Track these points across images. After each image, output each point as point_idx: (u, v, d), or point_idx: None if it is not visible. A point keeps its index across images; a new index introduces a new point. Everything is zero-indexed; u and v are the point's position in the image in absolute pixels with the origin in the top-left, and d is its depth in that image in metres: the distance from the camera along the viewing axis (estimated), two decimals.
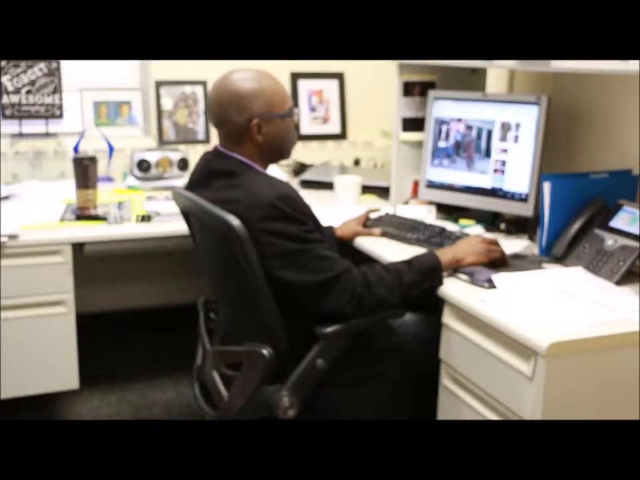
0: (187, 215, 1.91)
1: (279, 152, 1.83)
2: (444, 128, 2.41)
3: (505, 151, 2.27)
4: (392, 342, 1.92)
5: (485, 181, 2.32)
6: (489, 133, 2.28)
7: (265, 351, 1.67)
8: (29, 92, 2.87)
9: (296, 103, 3.25)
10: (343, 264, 1.70)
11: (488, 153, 2.30)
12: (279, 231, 1.64)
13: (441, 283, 1.74)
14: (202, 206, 1.71)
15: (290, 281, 1.66)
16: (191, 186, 1.83)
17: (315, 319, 1.70)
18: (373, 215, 2.30)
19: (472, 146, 2.33)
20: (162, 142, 3.08)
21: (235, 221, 1.60)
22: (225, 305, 1.89)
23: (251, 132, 1.74)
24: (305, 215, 1.69)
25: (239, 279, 1.67)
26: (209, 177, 1.78)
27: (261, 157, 1.79)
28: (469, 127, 2.33)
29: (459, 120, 2.36)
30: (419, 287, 1.72)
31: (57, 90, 2.90)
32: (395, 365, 1.86)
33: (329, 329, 1.69)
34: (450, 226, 2.24)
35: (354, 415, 1.79)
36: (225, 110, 1.74)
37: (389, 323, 1.93)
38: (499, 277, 1.72)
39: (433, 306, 1.81)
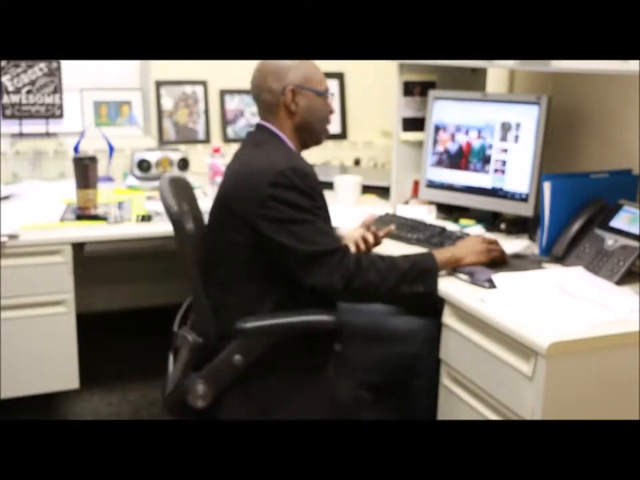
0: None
1: (310, 129, 1.84)
2: (440, 137, 2.42)
3: (505, 150, 2.27)
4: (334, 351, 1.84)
5: (485, 180, 2.32)
6: (489, 145, 2.29)
7: (189, 337, 1.74)
8: (29, 92, 2.87)
9: None
10: (341, 244, 1.72)
11: (487, 161, 2.31)
12: (284, 198, 1.67)
13: (435, 287, 1.73)
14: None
15: (282, 243, 1.68)
16: (230, 161, 1.90)
17: (243, 314, 1.73)
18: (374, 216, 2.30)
19: (469, 157, 2.34)
20: (162, 142, 3.08)
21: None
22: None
23: (285, 100, 1.80)
24: (315, 192, 1.72)
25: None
26: (242, 148, 1.86)
27: (294, 133, 1.83)
28: (467, 134, 2.34)
29: (458, 129, 2.37)
30: (411, 284, 1.71)
31: (57, 90, 2.91)
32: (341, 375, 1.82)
33: (247, 325, 1.71)
34: (450, 226, 2.24)
35: (300, 409, 1.77)
36: (264, 77, 1.82)
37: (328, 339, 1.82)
38: (499, 277, 1.71)
39: (434, 311, 1.81)
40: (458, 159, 2.38)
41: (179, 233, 1.77)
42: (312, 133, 1.85)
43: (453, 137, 2.39)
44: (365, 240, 1.97)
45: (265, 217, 1.68)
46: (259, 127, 1.86)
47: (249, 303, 1.75)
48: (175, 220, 1.74)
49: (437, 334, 1.80)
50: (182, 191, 1.93)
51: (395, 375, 1.87)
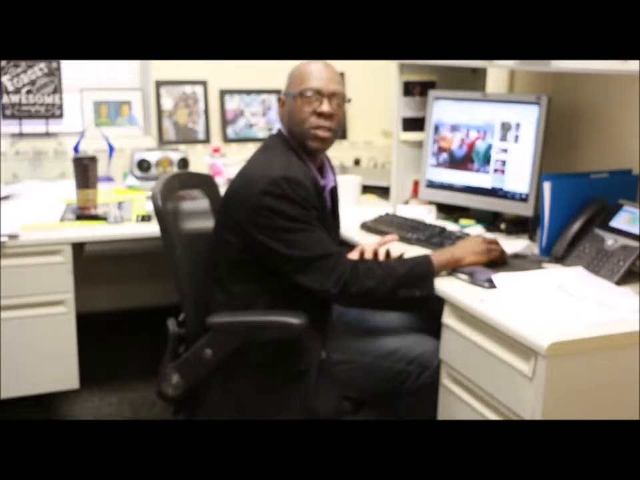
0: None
1: (293, 134, 1.83)
2: (440, 137, 2.41)
3: (505, 150, 2.27)
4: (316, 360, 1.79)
5: (485, 180, 2.32)
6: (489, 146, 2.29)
7: (170, 325, 1.82)
8: (29, 92, 2.87)
9: None
10: (336, 249, 1.73)
11: (487, 161, 2.31)
12: (275, 208, 1.68)
13: (432, 290, 1.72)
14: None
15: (276, 250, 1.69)
16: None
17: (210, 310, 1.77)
18: (373, 215, 2.30)
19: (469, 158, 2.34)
20: (162, 142, 3.07)
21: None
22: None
23: (278, 109, 1.87)
24: (306, 201, 1.72)
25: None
26: (256, 150, 1.89)
27: (290, 137, 1.84)
28: (468, 135, 2.34)
29: (457, 129, 2.37)
30: (408, 288, 1.71)
31: (57, 90, 2.90)
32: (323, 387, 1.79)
33: (214, 320, 1.74)
34: (450, 226, 2.24)
35: (278, 413, 1.77)
36: None
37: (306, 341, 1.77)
38: (498, 277, 1.71)
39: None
40: (464, 160, 2.37)
41: (161, 227, 1.77)
42: (295, 138, 1.82)
43: (459, 140, 2.38)
44: (372, 252, 1.84)
45: (258, 224, 1.70)
46: (278, 131, 1.88)
47: (238, 302, 1.77)
48: (157, 215, 1.75)
49: (433, 354, 1.77)
50: (185, 187, 1.94)
51: (380, 391, 1.83)
